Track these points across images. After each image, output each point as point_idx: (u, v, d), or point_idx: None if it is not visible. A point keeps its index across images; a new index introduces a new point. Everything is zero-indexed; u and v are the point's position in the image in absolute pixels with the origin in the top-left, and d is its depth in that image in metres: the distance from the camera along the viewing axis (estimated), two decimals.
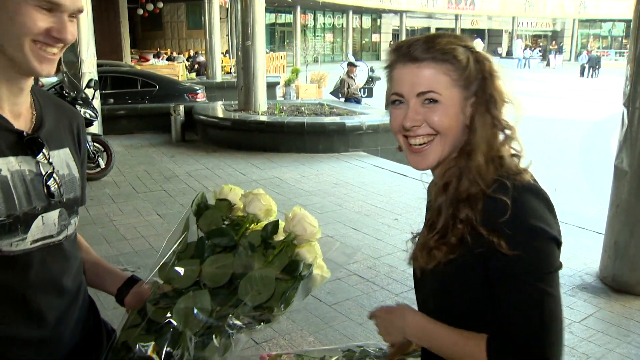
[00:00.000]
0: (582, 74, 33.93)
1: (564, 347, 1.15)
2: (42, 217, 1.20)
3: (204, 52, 23.48)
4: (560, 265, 1.17)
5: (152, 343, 1.18)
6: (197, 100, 12.41)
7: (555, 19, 48.32)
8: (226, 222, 1.38)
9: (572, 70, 36.56)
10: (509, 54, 44.86)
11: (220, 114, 10.43)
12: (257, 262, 1.26)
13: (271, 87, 14.70)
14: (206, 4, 18.21)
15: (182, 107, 10.47)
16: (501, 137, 1.24)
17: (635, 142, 4.18)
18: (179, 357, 1.17)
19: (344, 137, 9.52)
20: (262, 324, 1.26)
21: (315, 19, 41.49)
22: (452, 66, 1.20)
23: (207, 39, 18.46)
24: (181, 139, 10.44)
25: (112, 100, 11.46)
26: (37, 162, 1.21)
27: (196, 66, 22.86)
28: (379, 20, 45.65)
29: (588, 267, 4.69)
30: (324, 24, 42.58)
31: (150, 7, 25.51)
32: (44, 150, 1.22)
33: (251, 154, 9.19)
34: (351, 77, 13.16)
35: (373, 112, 10.94)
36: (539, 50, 46.46)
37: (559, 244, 1.16)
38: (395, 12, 42.74)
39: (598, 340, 3.61)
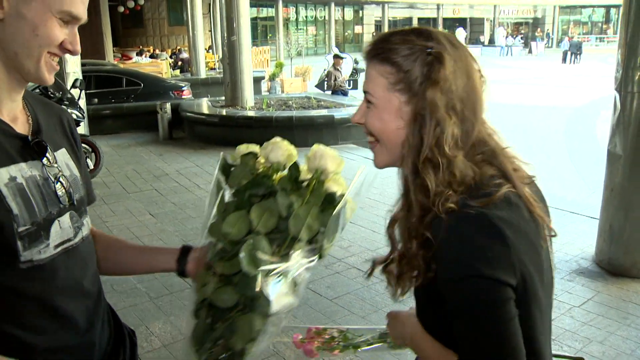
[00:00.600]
0: (564, 60, 34.16)
1: None
2: (59, 221, 1.20)
3: (186, 48, 23.30)
4: (505, 297, 1.04)
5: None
6: (183, 97, 12.30)
7: (536, 5, 48.54)
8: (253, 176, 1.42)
9: (554, 57, 36.77)
10: (491, 42, 44.98)
11: (207, 111, 10.36)
12: (296, 202, 1.30)
13: (256, 81, 14.62)
14: (188, 0, 18.05)
15: (168, 105, 10.39)
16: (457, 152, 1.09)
17: (627, 127, 4.21)
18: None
19: (333, 130, 9.50)
20: (317, 258, 1.30)
21: (297, 12, 41.35)
22: (391, 68, 1.12)
23: (190, 34, 18.33)
24: (169, 136, 10.36)
25: (96, 100, 11.31)
26: (43, 166, 1.19)
27: (179, 63, 22.69)
28: (361, 11, 45.59)
29: (584, 252, 4.73)
30: (306, 16, 42.45)
31: (131, 4, 25.18)
32: (47, 154, 1.21)
33: None
34: (337, 70, 13.14)
35: (360, 103, 10.90)
36: (521, 38, 46.70)
37: (498, 281, 1.03)
38: (377, 3, 42.72)
39: (599, 324, 3.64)
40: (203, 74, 18.11)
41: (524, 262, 1.06)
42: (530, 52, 42.33)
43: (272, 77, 18.10)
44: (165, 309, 3.92)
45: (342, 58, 13.43)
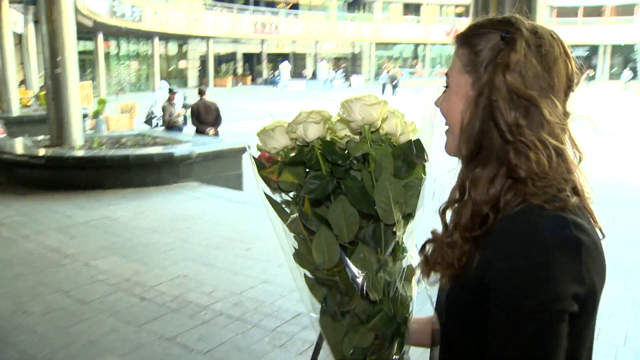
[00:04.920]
0: (383, 91, 36.51)
1: None
2: None
3: None
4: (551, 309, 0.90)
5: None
6: None
7: (354, 42, 51.57)
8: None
9: (373, 89, 39.07)
10: (314, 75, 46.82)
11: (30, 152, 9.33)
12: (366, 182, 1.09)
13: None
14: None
15: None
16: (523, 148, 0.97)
17: None
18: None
19: (173, 167, 9.05)
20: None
21: (118, 46, 39.62)
22: (466, 49, 1.07)
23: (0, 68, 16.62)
24: None
25: None
26: None
27: None
28: (185, 46, 44.95)
29: None
30: (128, 51, 40.85)
31: None
32: None
33: (72, 194, 8.31)
34: (172, 104, 12.66)
35: (198, 139, 10.63)
36: (342, 72, 49.22)
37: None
38: (201, 37, 42.42)
39: None
40: (16, 111, 16.52)
41: (592, 275, 0.95)
42: (350, 85, 44.71)
43: (96, 115, 16.99)
44: None
45: (175, 92, 12.97)
